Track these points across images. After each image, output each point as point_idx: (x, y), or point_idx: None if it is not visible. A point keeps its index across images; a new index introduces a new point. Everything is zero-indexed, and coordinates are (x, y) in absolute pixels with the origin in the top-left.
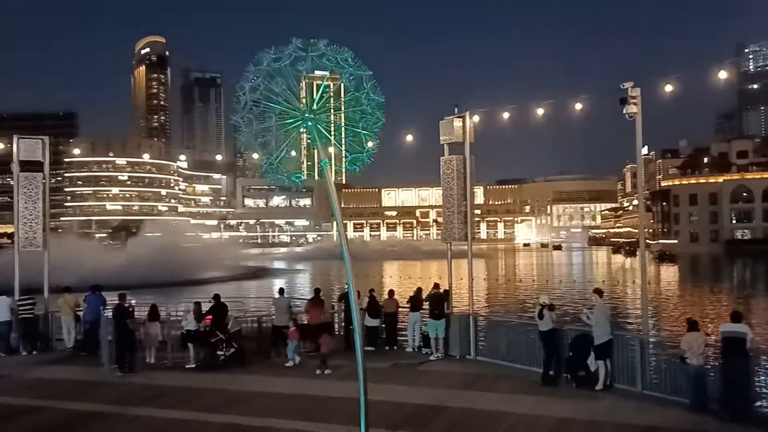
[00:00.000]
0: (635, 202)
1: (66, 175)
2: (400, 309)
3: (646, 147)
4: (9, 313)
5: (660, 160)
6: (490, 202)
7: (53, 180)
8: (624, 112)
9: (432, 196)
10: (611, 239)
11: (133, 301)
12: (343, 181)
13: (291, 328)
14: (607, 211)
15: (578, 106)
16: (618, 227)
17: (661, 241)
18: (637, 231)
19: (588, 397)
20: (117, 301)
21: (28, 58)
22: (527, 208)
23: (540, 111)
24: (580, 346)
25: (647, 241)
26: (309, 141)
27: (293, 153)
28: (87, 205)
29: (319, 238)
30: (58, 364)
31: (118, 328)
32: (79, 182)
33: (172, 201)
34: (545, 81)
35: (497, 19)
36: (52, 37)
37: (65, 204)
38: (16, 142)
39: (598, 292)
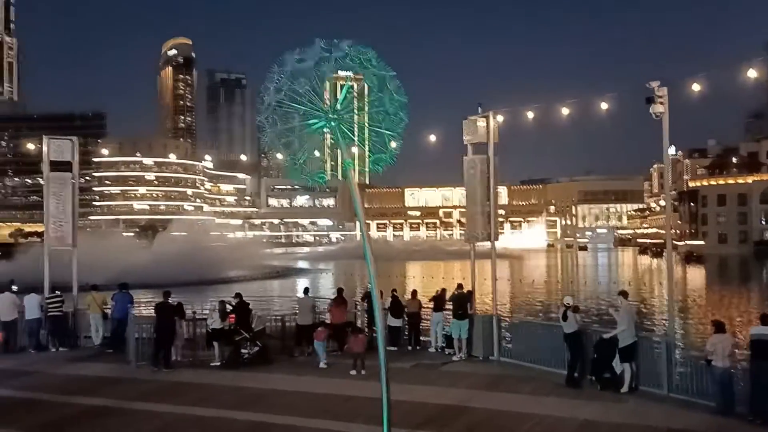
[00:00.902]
0: (662, 202)
1: (94, 174)
2: (423, 309)
3: (673, 147)
4: (39, 311)
5: (687, 160)
6: (514, 203)
7: (82, 180)
8: (650, 111)
9: (455, 196)
10: (638, 240)
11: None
12: (366, 181)
13: (319, 328)
14: (633, 212)
15: (604, 106)
16: (645, 228)
17: (688, 242)
18: (664, 232)
19: (613, 399)
20: (161, 299)
21: (58, 59)
22: (552, 209)
23: (565, 110)
24: (605, 347)
25: (674, 242)
26: (332, 141)
27: (317, 153)
28: (115, 205)
29: (342, 237)
30: (86, 361)
31: (160, 325)
32: (107, 182)
33: (198, 200)
34: (570, 79)
35: (521, 16)
36: (82, 39)
37: (94, 203)
38: (46, 142)
39: (624, 294)
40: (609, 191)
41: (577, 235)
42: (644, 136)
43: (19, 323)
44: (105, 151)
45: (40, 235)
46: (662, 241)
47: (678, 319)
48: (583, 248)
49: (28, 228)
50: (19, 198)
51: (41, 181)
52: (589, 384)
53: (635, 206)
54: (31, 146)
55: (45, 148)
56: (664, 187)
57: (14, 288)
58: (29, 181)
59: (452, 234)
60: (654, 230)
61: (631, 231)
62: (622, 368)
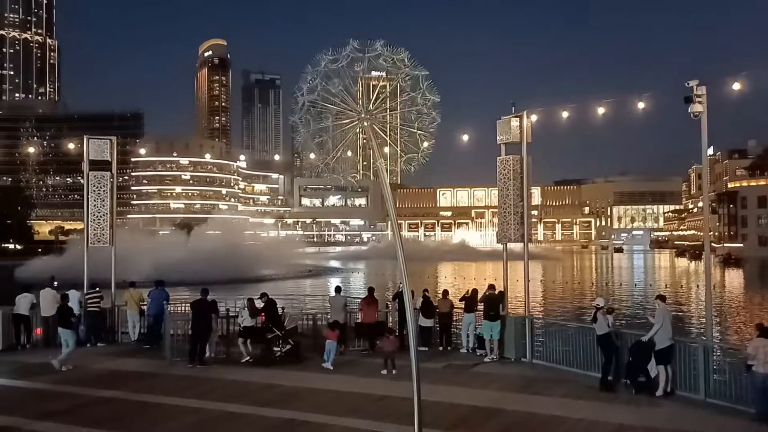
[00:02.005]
0: (700, 204)
1: (132, 174)
2: (454, 309)
3: (712, 147)
4: (78, 307)
5: (727, 161)
6: (548, 203)
7: (120, 179)
8: (689, 111)
9: (488, 196)
10: (675, 242)
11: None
12: (398, 181)
13: (334, 328)
14: (670, 213)
15: (641, 105)
16: (682, 230)
17: (726, 244)
18: (701, 234)
19: (648, 403)
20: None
21: (98, 60)
22: (586, 209)
23: (600, 110)
24: (641, 350)
25: (712, 244)
26: (365, 141)
27: (349, 153)
28: (151, 203)
29: (374, 237)
30: (123, 357)
31: (196, 321)
32: (144, 181)
33: (232, 200)
34: (607, 78)
35: (555, 15)
36: (121, 41)
37: (131, 202)
38: (86, 142)
39: (662, 298)
40: (645, 192)
41: (613, 236)
42: (682, 137)
43: None
44: (142, 151)
45: (80, 232)
46: (700, 243)
47: (716, 322)
48: (619, 250)
49: (69, 226)
50: (60, 196)
51: (81, 180)
52: (623, 387)
53: (672, 208)
54: (71, 146)
55: (85, 148)
56: (702, 188)
57: (55, 284)
58: (69, 179)
59: (483, 234)
60: (691, 232)
61: (667, 233)
62: (657, 372)
